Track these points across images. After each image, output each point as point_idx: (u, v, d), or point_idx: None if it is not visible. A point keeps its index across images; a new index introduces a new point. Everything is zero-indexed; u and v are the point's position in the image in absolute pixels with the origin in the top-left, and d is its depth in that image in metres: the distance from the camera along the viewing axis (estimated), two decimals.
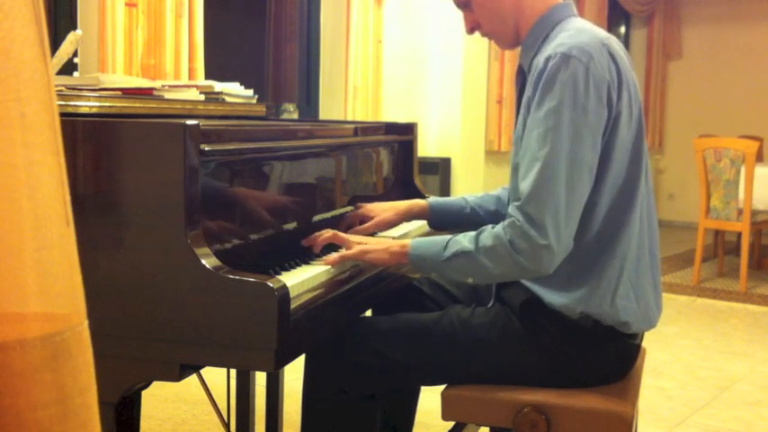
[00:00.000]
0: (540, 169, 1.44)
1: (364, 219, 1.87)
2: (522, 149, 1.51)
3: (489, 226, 1.51)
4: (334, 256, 1.57)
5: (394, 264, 1.61)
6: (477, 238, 1.50)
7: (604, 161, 1.51)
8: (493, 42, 1.73)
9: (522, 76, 1.65)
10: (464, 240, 1.51)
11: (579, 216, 1.48)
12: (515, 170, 1.54)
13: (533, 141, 1.47)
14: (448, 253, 1.51)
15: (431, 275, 1.58)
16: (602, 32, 1.56)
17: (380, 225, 1.86)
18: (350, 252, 1.58)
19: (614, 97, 1.49)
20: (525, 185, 1.46)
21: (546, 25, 1.59)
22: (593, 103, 1.46)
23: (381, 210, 1.87)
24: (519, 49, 1.66)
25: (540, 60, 1.50)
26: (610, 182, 1.52)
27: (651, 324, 1.61)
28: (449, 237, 1.54)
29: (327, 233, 1.63)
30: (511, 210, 1.49)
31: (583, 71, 1.45)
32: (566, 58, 1.46)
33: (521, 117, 1.57)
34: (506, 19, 1.62)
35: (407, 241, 1.59)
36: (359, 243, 1.60)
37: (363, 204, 1.91)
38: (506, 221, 1.48)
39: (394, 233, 1.95)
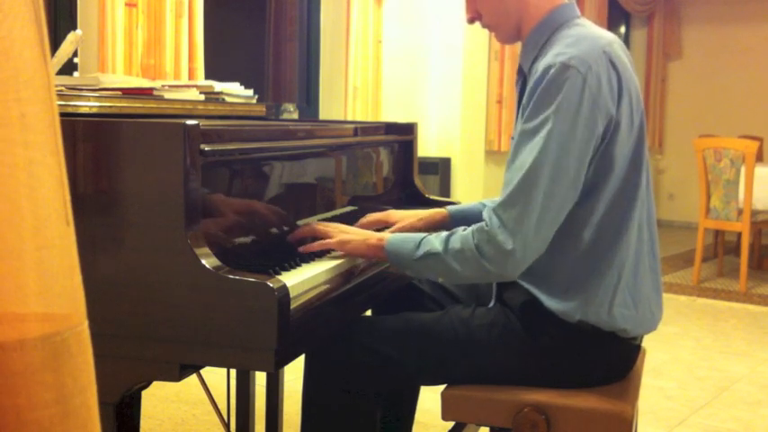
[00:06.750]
0: (522, 176, 1.44)
1: (387, 225, 1.84)
2: (511, 156, 1.50)
3: (461, 228, 1.51)
4: (314, 244, 1.57)
5: (372, 256, 1.60)
6: (447, 239, 1.49)
7: (602, 170, 1.50)
8: (493, 39, 1.72)
9: (522, 77, 1.65)
10: (435, 241, 1.51)
11: (554, 228, 1.47)
12: None
13: (522, 150, 1.46)
14: (420, 252, 1.51)
15: (405, 273, 1.58)
16: (604, 37, 1.54)
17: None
18: (330, 241, 1.58)
19: (612, 108, 1.48)
20: (506, 191, 1.46)
21: (549, 27, 1.57)
22: (586, 116, 1.45)
23: (402, 217, 1.84)
24: (519, 48, 1.65)
25: (539, 67, 1.49)
26: (607, 190, 1.51)
27: (651, 328, 1.61)
28: (423, 235, 1.54)
29: (307, 227, 1.62)
30: (485, 212, 1.49)
31: (580, 82, 1.44)
32: (564, 67, 1.45)
33: (517, 122, 1.56)
34: (510, 13, 1.60)
35: (386, 235, 1.58)
36: (340, 231, 1.60)
37: (389, 211, 1.86)
38: (476, 225, 1.48)
39: None
